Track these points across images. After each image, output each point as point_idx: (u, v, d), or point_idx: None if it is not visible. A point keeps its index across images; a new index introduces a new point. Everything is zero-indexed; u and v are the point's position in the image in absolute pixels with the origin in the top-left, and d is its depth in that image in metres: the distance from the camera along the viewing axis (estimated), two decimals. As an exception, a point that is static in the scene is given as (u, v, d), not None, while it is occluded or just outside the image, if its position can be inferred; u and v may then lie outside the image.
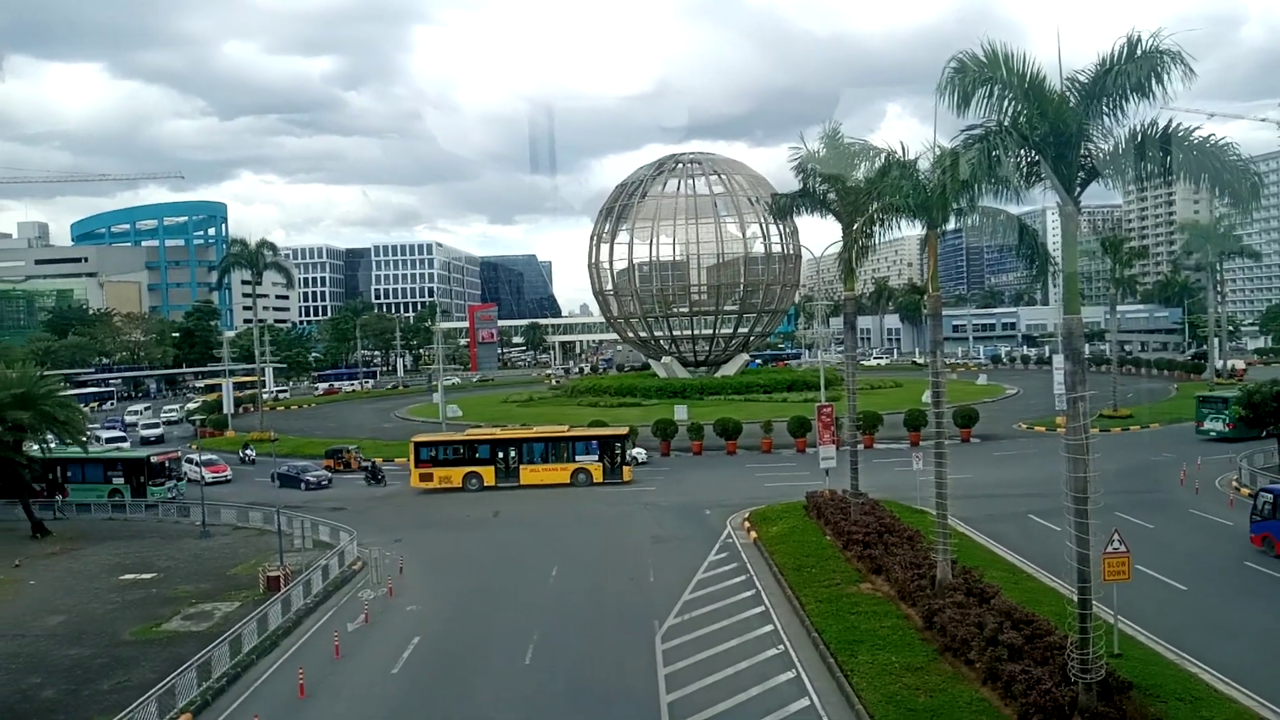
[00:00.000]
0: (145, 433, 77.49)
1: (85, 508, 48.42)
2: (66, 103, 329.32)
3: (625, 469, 51.05)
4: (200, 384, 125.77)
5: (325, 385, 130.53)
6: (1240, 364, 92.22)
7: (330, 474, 55.86)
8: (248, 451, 63.77)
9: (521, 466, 50.97)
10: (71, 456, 52.52)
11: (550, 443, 51.92)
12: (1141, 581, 25.90)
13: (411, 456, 51.29)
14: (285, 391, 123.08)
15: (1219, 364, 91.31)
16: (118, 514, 47.51)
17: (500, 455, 51.22)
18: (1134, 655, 21.90)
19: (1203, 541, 34.32)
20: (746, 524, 38.54)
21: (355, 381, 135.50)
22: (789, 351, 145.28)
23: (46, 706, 22.63)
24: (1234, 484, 43.05)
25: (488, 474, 50.61)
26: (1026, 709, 18.26)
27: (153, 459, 51.61)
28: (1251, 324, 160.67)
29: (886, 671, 21.41)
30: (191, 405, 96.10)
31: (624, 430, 54.27)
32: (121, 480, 50.67)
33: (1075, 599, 18.32)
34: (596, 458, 50.91)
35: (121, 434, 71.33)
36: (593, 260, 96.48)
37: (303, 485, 53.81)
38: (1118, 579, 21.58)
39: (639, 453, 56.42)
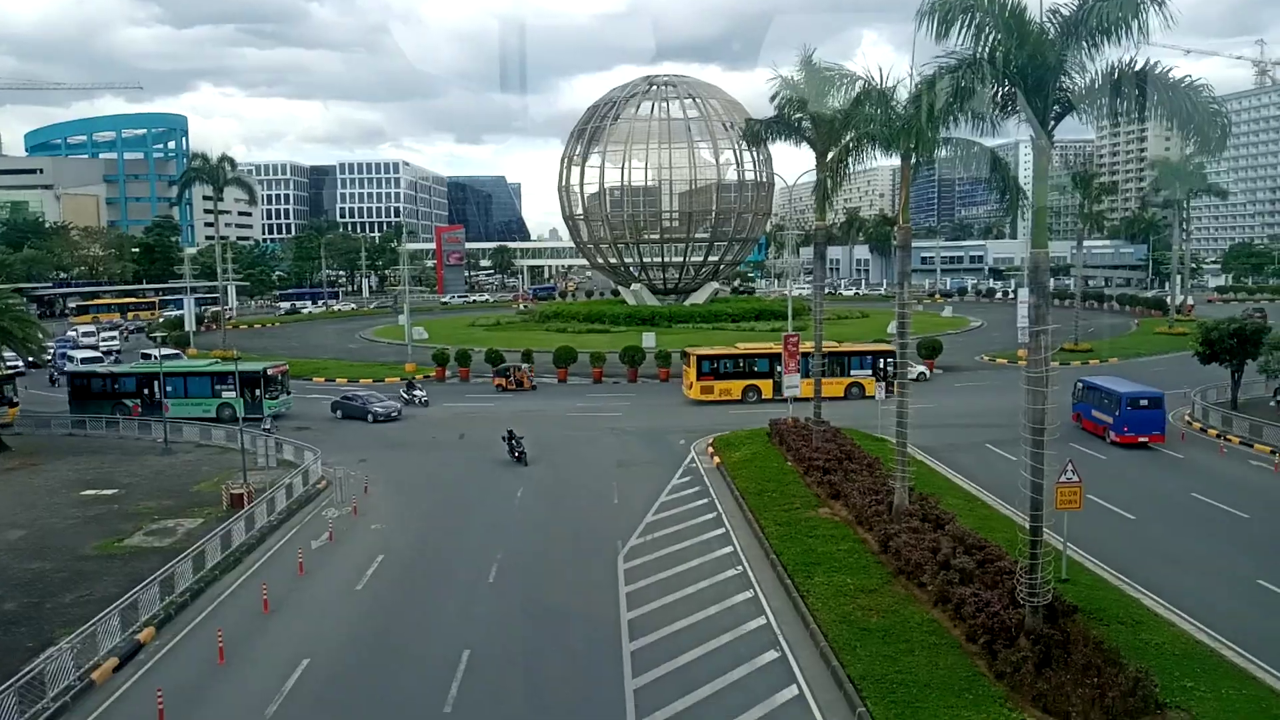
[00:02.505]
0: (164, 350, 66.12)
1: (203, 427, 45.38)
2: (12, 4, 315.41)
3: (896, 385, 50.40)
4: (73, 305, 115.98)
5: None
6: (1190, 301, 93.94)
7: (408, 400, 51.24)
8: (416, 392, 52.95)
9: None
10: (173, 370, 51.51)
11: (827, 357, 51.06)
12: (1092, 510, 26.65)
13: (693, 369, 51.41)
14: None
15: (1179, 300, 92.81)
16: (224, 429, 43.93)
17: (778, 369, 50.80)
18: (1081, 581, 22.64)
19: (1153, 473, 35.27)
20: (710, 449, 38.98)
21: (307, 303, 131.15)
22: None
23: (8, 619, 22.63)
24: (1186, 419, 44.09)
25: (766, 387, 50.96)
26: (975, 629, 18.86)
27: (269, 370, 49.90)
28: (1214, 262, 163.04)
29: (841, 593, 21.96)
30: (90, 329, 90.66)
31: (893, 347, 53.79)
32: (233, 394, 48.82)
33: (1027, 526, 18.80)
34: (870, 372, 51.54)
35: (96, 354, 69.18)
36: (563, 183, 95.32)
37: (369, 418, 48.17)
38: (1069, 508, 22.15)
39: (923, 370, 56.88)
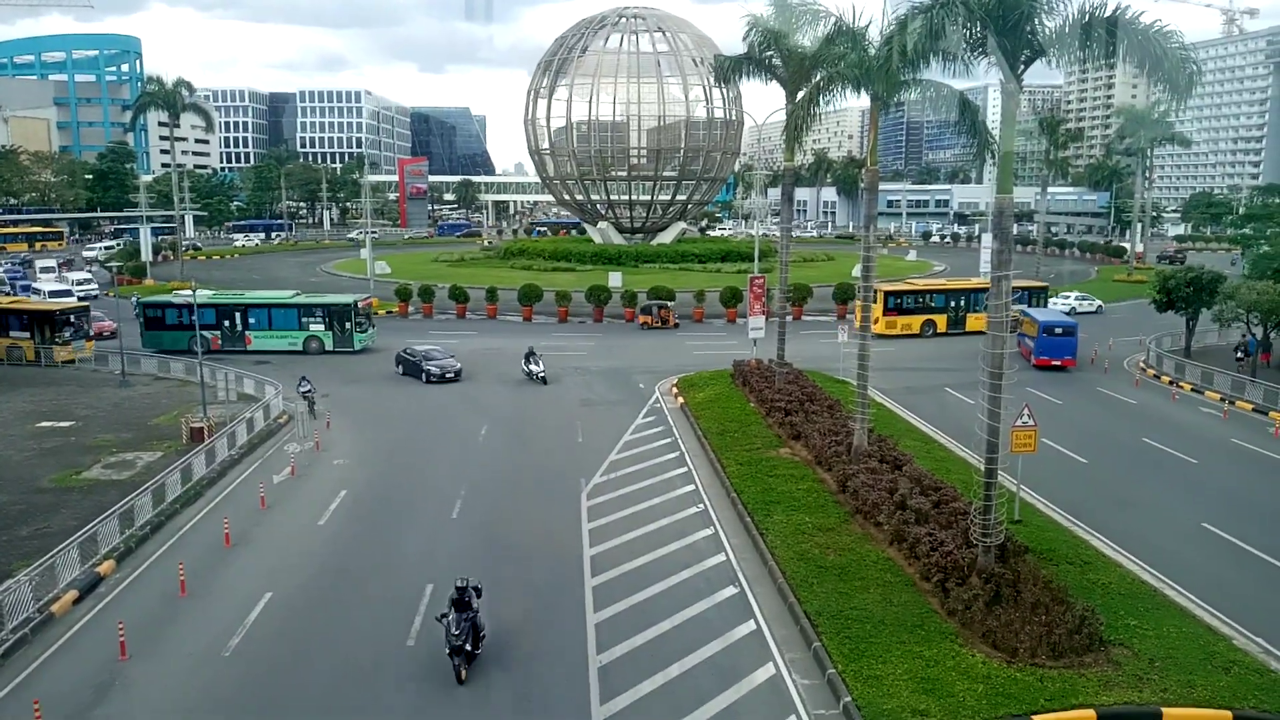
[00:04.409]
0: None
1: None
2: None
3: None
4: None
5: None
6: (1141, 248, 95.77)
7: (526, 374, 41.55)
8: (534, 367, 41.53)
9: (968, 314, 53.72)
10: (255, 301, 49.81)
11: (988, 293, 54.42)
12: (1046, 454, 27.24)
13: (880, 304, 52.95)
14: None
15: (1139, 248, 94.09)
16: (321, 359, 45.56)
17: (953, 305, 54.14)
18: (1033, 522, 23.23)
19: (1107, 418, 36.05)
20: (674, 390, 39.18)
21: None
22: (567, 221, 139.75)
23: (-37, 550, 22.41)
24: (1140, 365, 45.00)
25: (941, 322, 53.34)
26: (929, 568, 19.34)
27: (359, 303, 49.00)
28: (1174, 211, 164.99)
29: (800, 531, 22.36)
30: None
31: (1046, 284, 59.84)
32: (322, 327, 48.11)
33: (982, 468, 19.18)
34: (1023, 307, 53.20)
35: (66, 287, 66.67)
36: (529, 116, 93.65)
37: (423, 376, 41.88)
38: (1024, 451, 22.60)
39: (1100, 303, 61.76)
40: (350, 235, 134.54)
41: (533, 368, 41.43)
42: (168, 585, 20.59)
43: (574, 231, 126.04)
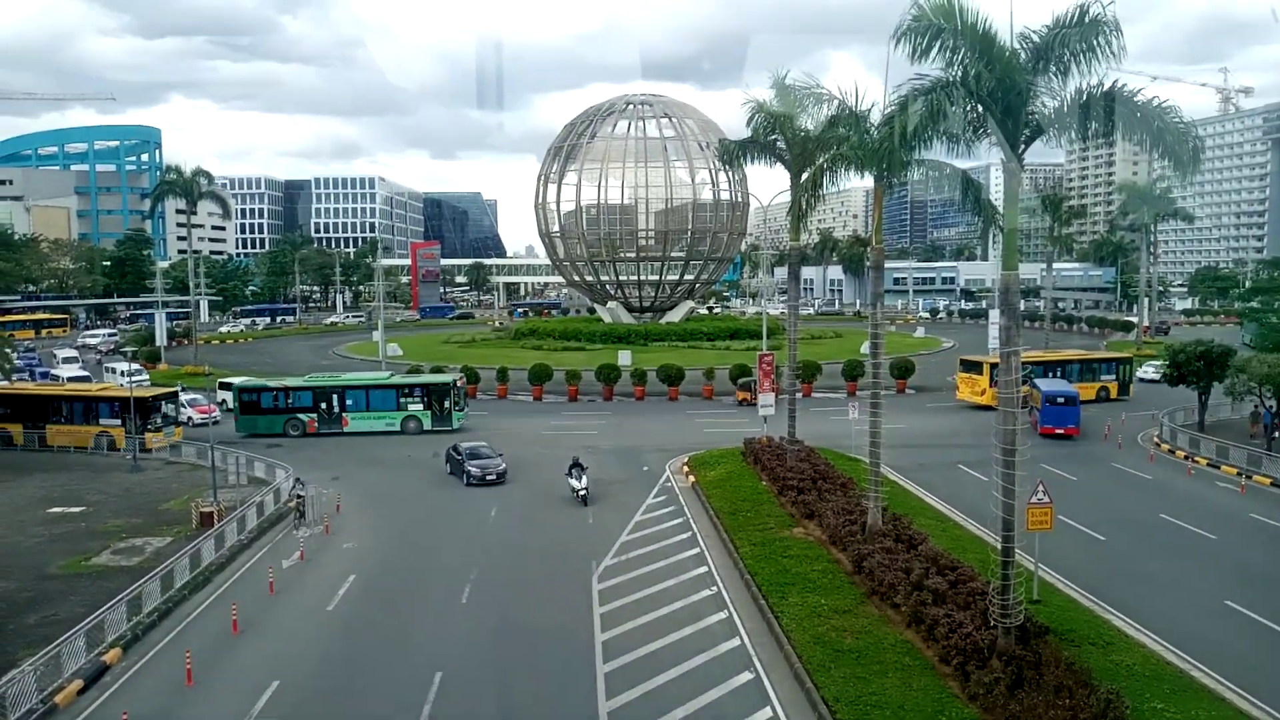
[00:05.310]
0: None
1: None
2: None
3: (1130, 387, 57.86)
4: None
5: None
6: (1146, 323, 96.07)
7: (573, 491, 34.71)
8: (573, 482, 34.80)
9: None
10: (352, 383, 50.08)
11: (1084, 364, 57.34)
12: (1063, 531, 26.88)
13: (985, 377, 53.45)
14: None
15: (1146, 322, 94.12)
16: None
17: (1050, 376, 54.43)
18: (1052, 602, 22.78)
19: (1123, 494, 35.63)
20: (685, 468, 38.96)
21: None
22: (549, 302, 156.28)
23: (-31, 639, 22.18)
24: (1155, 440, 44.63)
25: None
26: (948, 651, 18.92)
27: (458, 383, 49.63)
28: (1180, 285, 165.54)
29: (815, 613, 21.96)
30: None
31: (1131, 355, 63.04)
32: (421, 407, 48.50)
33: (999, 547, 18.91)
34: (1114, 377, 57.32)
35: (85, 372, 66.01)
36: (539, 201, 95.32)
37: (464, 477, 37.84)
38: (1040, 528, 22.31)
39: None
40: (329, 320, 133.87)
41: (574, 483, 34.82)
42: (174, 674, 20.28)
43: (554, 313, 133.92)
